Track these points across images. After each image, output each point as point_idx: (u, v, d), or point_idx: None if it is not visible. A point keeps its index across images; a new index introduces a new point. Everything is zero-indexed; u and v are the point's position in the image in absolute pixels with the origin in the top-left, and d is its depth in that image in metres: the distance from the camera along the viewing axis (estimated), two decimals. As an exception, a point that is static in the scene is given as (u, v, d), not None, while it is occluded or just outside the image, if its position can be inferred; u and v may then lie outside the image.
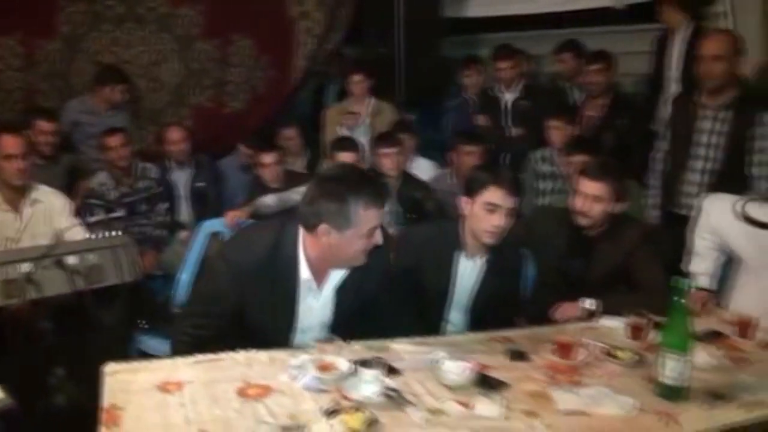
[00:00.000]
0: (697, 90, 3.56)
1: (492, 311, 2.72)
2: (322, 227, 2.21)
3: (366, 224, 2.22)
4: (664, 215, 3.67)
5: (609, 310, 2.70)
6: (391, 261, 2.66)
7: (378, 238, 2.27)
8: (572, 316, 2.75)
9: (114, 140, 4.31)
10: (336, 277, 2.38)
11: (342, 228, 2.20)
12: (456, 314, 2.79)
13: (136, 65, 5.70)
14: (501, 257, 2.76)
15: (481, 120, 5.02)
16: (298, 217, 2.29)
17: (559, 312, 2.80)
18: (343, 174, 2.29)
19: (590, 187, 2.89)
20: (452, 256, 2.73)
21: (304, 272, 2.31)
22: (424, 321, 2.67)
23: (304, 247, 2.31)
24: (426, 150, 4.87)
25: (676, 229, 3.47)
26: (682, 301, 2.05)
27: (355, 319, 2.44)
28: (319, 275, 2.36)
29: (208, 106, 5.92)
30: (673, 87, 4.23)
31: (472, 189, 2.66)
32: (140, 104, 5.65)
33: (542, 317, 2.80)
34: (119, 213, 4.26)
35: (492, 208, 2.60)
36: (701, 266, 2.98)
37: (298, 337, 2.38)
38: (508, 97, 4.98)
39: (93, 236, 3.05)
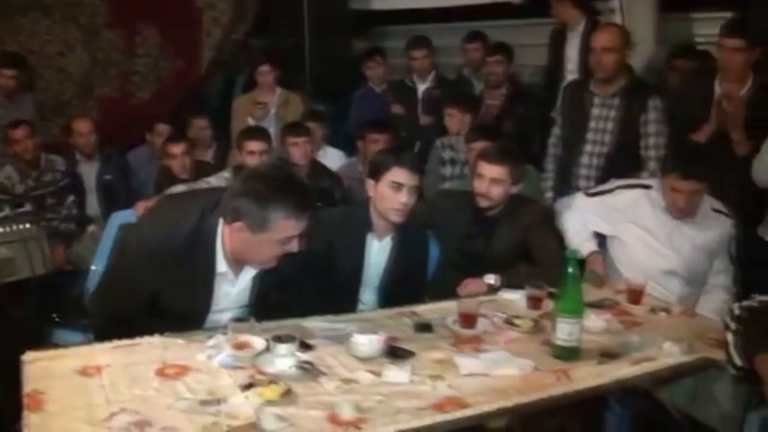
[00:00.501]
0: (589, 79, 3.80)
1: (401, 290, 2.83)
2: (238, 224, 2.19)
3: (282, 233, 2.18)
4: (560, 196, 3.86)
5: (510, 284, 2.88)
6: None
7: (293, 247, 2.23)
8: (476, 291, 2.90)
9: (19, 132, 4.22)
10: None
11: (256, 231, 2.17)
12: (368, 294, 2.90)
13: (41, 55, 5.59)
14: (408, 237, 2.89)
15: (396, 109, 5.15)
16: (220, 207, 2.26)
17: (464, 288, 2.94)
18: (272, 176, 2.21)
19: (490, 170, 3.07)
20: (363, 238, 2.84)
21: (221, 266, 2.32)
22: (338, 302, 2.76)
23: (223, 238, 2.29)
24: (335, 139, 4.98)
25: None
26: (572, 270, 2.24)
27: (272, 300, 2.50)
28: (236, 265, 2.37)
29: (115, 97, 5.85)
30: (571, 78, 4.44)
31: (376, 171, 2.79)
32: (46, 95, 5.52)
33: (448, 295, 2.95)
34: (27, 207, 4.17)
35: (397, 186, 2.73)
36: (582, 237, 3.20)
37: (214, 318, 2.43)
38: (422, 86, 5.14)
39: (3, 230, 3.00)
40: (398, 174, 2.73)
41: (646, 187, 3.14)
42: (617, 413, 2.96)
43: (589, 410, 3.10)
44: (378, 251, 2.87)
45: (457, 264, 3.15)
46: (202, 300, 2.37)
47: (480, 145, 3.59)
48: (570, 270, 2.23)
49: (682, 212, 3.00)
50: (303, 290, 2.61)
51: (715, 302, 3.01)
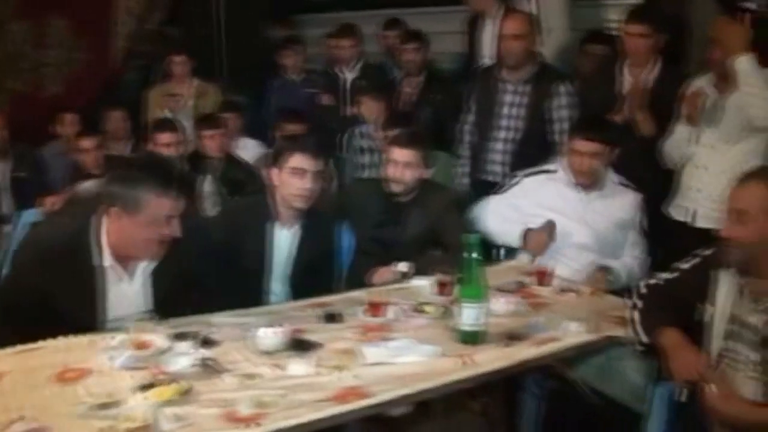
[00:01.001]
0: (498, 66, 3.84)
1: (311, 280, 2.83)
2: (114, 210, 2.20)
3: (156, 211, 2.20)
4: (473, 183, 3.93)
5: (421, 270, 2.88)
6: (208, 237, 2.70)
7: (174, 229, 2.25)
8: (387, 279, 2.91)
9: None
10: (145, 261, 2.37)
11: (131, 213, 2.19)
12: (277, 285, 2.88)
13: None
14: (314, 225, 2.88)
15: (327, 100, 5.08)
16: (98, 201, 2.26)
17: (375, 276, 2.95)
18: (136, 159, 2.28)
19: (400, 154, 3.09)
20: (266, 227, 2.82)
21: (107, 259, 2.28)
22: (246, 294, 2.74)
23: (108, 232, 2.27)
24: (253, 130, 4.91)
25: (485, 194, 3.77)
26: (474, 255, 2.26)
27: (177, 298, 2.44)
28: (125, 261, 2.33)
29: (25, 91, 5.63)
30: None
31: (278, 158, 2.79)
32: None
33: (363, 284, 2.95)
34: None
35: (299, 172, 2.73)
36: (507, 226, 3.20)
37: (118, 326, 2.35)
38: (348, 76, 5.09)
39: None
40: (300, 160, 2.73)
41: (551, 171, 3.21)
42: (533, 393, 3.03)
43: (508, 391, 3.18)
44: (284, 240, 2.86)
45: (370, 252, 3.15)
46: (88, 302, 2.30)
47: (395, 132, 3.59)
48: (472, 255, 2.25)
49: (585, 177, 3.08)
50: (209, 285, 2.57)
51: (626, 273, 3.08)
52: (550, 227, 3.08)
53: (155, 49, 6.04)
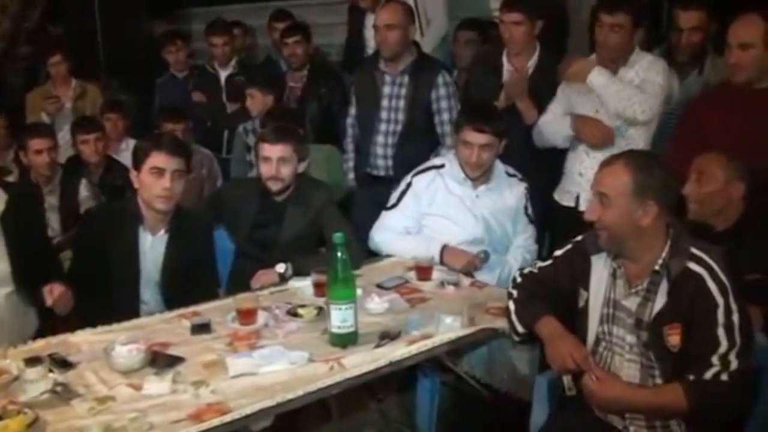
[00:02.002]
0: (378, 58, 3.80)
1: (184, 287, 2.74)
2: None
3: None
4: (359, 177, 3.89)
5: (301, 271, 2.82)
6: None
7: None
8: (267, 282, 2.83)
9: None
10: None
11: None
12: (149, 293, 2.78)
13: None
14: (183, 229, 2.79)
15: (197, 97, 4.96)
16: None
17: (255, 279, 2.87)
18: None
19: (271, 150, 2.98)
20: (134, 232, 2.73)
21: None
22: (117, 302, 2.66)
23: None
24: (140, 130, 4.73)
25: (372, 188, 3.75)
26: (339, 255, 2.21)
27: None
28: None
29: None
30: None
31: (137, 159, 2.71)
32: None
33: (246, 288, 2.86)
34: None
35: (158, 171, 2.65)
36: (418, 244, 3.08)
37: None
38: (224, 73, 4.97)
39: None
40: (158, 159, 2.65)
41: (438, 167, 3.16)
42: (426, 386, 3.03)
43: (403, 384, 3.17)
44: (152, 246, 2.76)
45: (249, 254, 3.07)
46: None
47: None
48: (337, 255, 2.21)
49: (475, 168, 3.03)
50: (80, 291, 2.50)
51: (517, 261, 3.10)
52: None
53: (38, 49, 5.76)
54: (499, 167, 3.15)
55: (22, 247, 2.57)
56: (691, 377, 1.93)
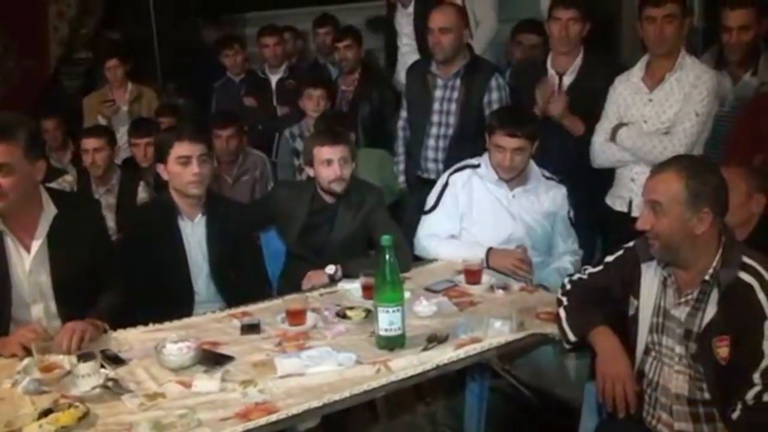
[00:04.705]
0: (430, 60, 3.76)
1: (234, 273, 2.82)
2: None
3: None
4: (410, 180, 3.88)
5: (351, 273, 2.82)
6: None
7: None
8: (317, 283, 2.85)
9: None
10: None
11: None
12: (201, 282, 2.83)
13: None
14: (218, 209, 2.87)
15: (249, 102, 5.01)
16: None
17: (305, 280, 2.88)
18: None
19: (333, 152, 2.98)
20: (173, 222, 2.80)
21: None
22: (174, 296, 2.72)
23: None
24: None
25: (423, 192, 3.71)
26: (387, 257, 2.20)
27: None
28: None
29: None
30: (409, 58, 4.38)
31: (161, 153, 2.80)
32: None
33: (298, 289, 2.86)
34: None
35: (184, 160, 2.73)
36: (464, 248, 3.04)
37: None
38: (275, 77, 5.02)
39: None
40: (181, 149, 2.73)
41: (475, 166, 3.13)
42: (474, 390, 3.00)
43: (452, 388, 3.15)
44: (193, 231, 2.83)
45: (300, 256, 3.08)
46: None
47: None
48: (385, 258, 2.20)
49: (509, 172, 3.01)
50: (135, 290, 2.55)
51: (563, 267, 3.04)
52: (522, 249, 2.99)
53: (95, 54, 5.91)
54: (535, 170, 3.12)
55: (70, 266, 2.41)
56: (735, 413, 1.88)
